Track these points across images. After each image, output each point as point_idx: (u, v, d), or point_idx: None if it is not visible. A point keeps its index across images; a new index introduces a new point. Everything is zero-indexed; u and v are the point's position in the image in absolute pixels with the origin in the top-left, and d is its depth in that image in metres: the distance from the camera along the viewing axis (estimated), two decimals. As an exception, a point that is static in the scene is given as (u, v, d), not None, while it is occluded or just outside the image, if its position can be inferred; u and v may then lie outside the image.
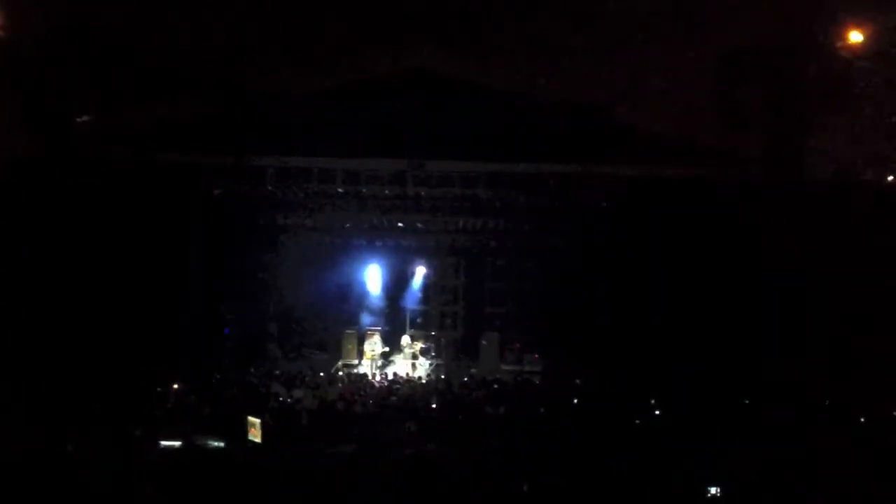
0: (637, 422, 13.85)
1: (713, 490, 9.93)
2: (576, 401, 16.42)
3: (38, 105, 16.06)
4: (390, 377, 20.26)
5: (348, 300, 25.08)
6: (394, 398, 16.33)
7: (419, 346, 23.42)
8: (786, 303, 16.25)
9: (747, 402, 15.10)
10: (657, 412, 14.83)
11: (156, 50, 16.24)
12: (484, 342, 23.55)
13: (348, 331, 23.94)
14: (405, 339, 23.60)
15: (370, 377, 20.71)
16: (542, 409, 15.17)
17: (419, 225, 23.08)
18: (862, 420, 13.26)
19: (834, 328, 15.50)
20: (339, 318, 24.56)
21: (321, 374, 19.85)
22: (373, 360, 22.48)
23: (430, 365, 23.14)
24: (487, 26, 16.82)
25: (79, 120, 16.65)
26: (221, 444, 11.69)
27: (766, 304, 16.51)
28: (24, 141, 16.16)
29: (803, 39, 15.25)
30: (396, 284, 25.47)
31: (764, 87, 16.20)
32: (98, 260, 16.71)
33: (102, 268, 16.78)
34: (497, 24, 16.72)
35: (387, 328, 24.39)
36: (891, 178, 16.77)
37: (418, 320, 25.70)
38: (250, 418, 12.16)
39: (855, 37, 14.68)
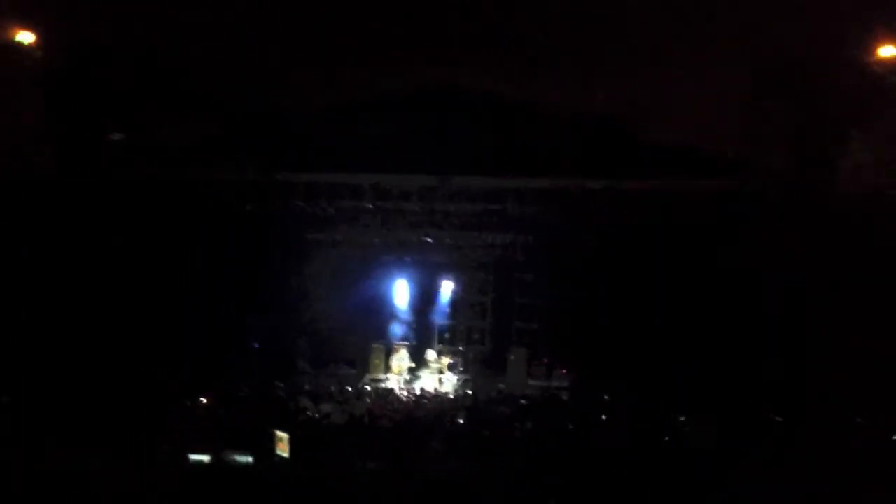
0: (666, 439, 13.75)
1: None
2: (604, 417, 16.33)
3: (69, 123, 16.29)
4: (417, 392, 20.25)
5: (376, 315, 25.08)
6: (421, 413, 16.33)
7: (446, 361, 23.38)
8: (818, 319, 16.06)
9: (779, 419, 14.92)
10: (687, 429, 14.71)
11: (184, 66, 16.42)
12: (511, 357, 23.47)
13: (376, 345, 23.96)
14: (432, 354, 23.57)
15: (397, 392, 20.70)
16: (570, 426, 15.10)
17: (447, 240, 23.07)
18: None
19: (869, 347, 15.28)
20: (366, 333, 24.58)
21: (349, 388, 19.88)
22: (400, 374, 22.48)
23: (458, 380, 23.08)
24: (514, 41, 16.85)
25: (110, 138, 16.86)
26: (249, 459, 11.75)
27: (799, 320, 16.33)
28: (54, 158, 16.38)
29: (834, 52, 15.13)
30: (424, 299, 25.44)
31: (793, 100, 16.09)
32: (128, 275, 16.90)
33: (132, 283, 16.96)
34: (523, 38, 16.74)
35: (414, 343, 24.37)
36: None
37: (446, 335, 25.63)
38: (278, 433, 12.21)
39: (886, 51, 14.55)
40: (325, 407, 16.42)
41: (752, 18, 14.84)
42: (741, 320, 17.09)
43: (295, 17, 16.01)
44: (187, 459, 11.67)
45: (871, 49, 14.51)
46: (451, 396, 19.95)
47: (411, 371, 23.03)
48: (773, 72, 15.90)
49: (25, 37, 14.68)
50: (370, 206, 19.27)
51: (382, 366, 23.51)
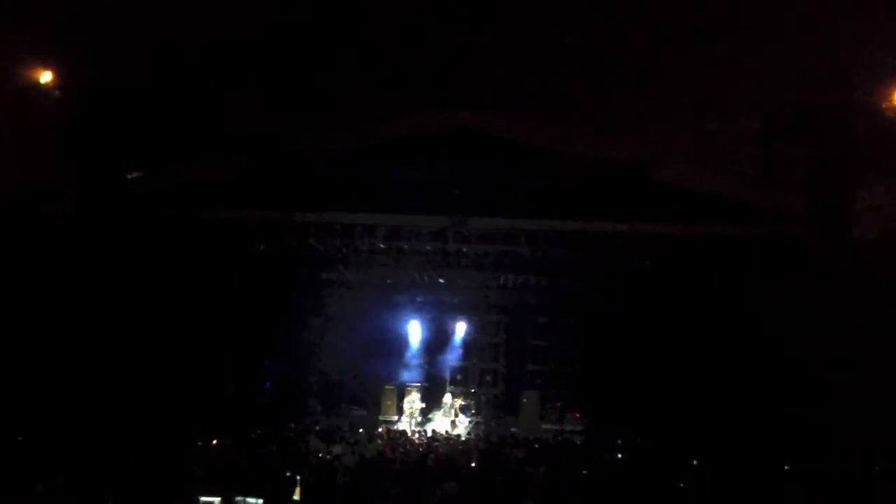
0: (681, 485, 13.56)
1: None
2: (618, 461, 16.15)
3: (90, 164, 16.46)
4: (429, 434, 20.11)
5: (389, 356, 25.04)
6: (433, 456, 16.19)
7: (459, 402, 23.27)
8: (835, 365, 15.90)
9: (795, 465, 14.69)
10: (702, 475, 14.52)
11: (202, 108, 16.60)
12: (524, 400, 23.35)
13: (388, 387, 23.90)
14: (446, 397, 23.47)
15: (409, 434, 20.57)
16: (583, 471, 14.92)
17: (460, 281, 23.10)
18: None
19: (887, 391, 15.10)
20: (379, 374, 24.52)
21: (360, 430, 19.77)
22: (412, 416, 22.37)
23: (470, 422, 22.95)
24: (528, 85, 16.97)
25: (128, 177, 17.02)
26: (260, 502, 11.65)
27: (814, 365, 16.17)
28: (74, 198, 16.53)
29: (849, 98, 15.18)
30: (437, 341, 25.40)
31: (809, 145, 16.10)
32: (142, 315, 16.92)
33: (145, 323, 16.98)
34: (538, 83, 16.86)
35: (426, 384, 24.28)
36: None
37: (458, 377, 25.55)
38: (289, 475, 12.12)
39: (900, 96, 14.59)
40: (337, 449, 16.31)
41: (770, 65, 14.92)
42: (756, 365, 16.94)
43: (312, 60, 16.20)
44: (198, 502, 11.58)
45: (886, 94, 14.54)
46: (464, 439, 19.79)
47: (423, 413, 22.91)
48: (790, 117, 15.95)
49: (47, 77, 14.89)
50: (383, 246, 19.33)
51: (394, 407, 23.43)
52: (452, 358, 25.46)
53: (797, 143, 16.07)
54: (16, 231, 15.83)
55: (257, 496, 11.77)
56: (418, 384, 23.88)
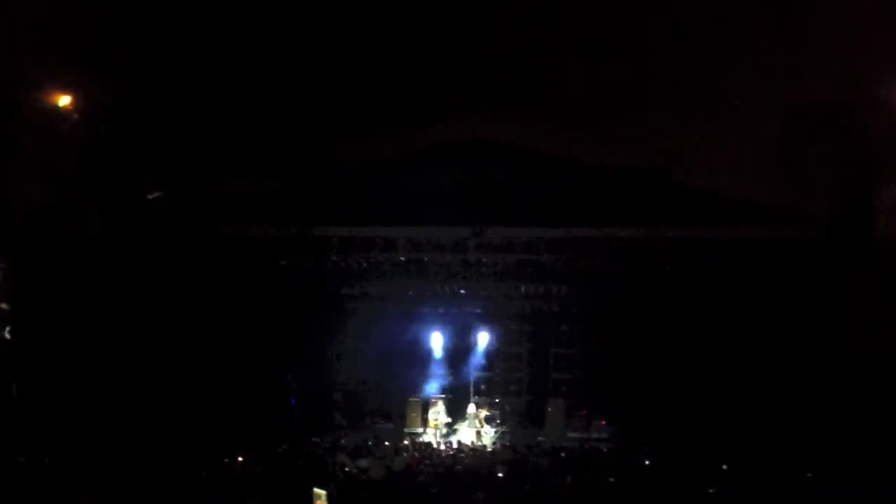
0: (710, 491, 13.45)
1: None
2: (645, 468, 16.04)
3: (113, 183, 16.61)
4: (455, 445, 20.05)
5: (412, 368, 25.01)
6: (459, 467, 16.15)
7: (484, 413, 23.19)
8: (862, 366, 15.76)
9: (810, 475, 14.46)
10: (731, 480, 14.39)
11: (223, 125, 16.72)
12: (549, 409, 23.24)
13: (412, 399, 23.85)
14: (470, 407, 23.41)
15: (435, 446, 20.52)
16: (611, 479, 14.83)
17: (482, 291, 23.06)
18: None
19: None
20: (403, 386, 24.50)
21: (386, 443, 19.75)
22: (437, 428, 22.32)
23: (496, 433, 22.85)
24: (547, 93, 16.96)
25: (150, 197, 17.16)
26: (288, 517, 11.66)
27: (841, 367, 16.03)
28: (97, 217, 16.67)
29: (872, 97, 15.08)
30: (460, 351, 25.32)
31: (831, 145, 16.00)
32: (166, 331, 17.03)
33: (170, 339, 17.09)
34: (556, 89, 16.85)
35: (451, 395, 24.22)
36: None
37: (482, 387, 25.44)
38: (316, 490, 12.11)
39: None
40: (363, 462, 16.30)
41: (792, 65, 14.85)
42: (784, 368, 16.82)
43: (328, 74, 16.27)
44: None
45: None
46: (490, 449, 19.72)
47: (448, 424, 22.85)
48: (813, 118, 15.86)
49: (69, 99, 15.06)
50: (404, 258, 19.37)
51: (419, 419, 23.35)
52: (476, 368, 25.38)
53: (820, 143, 15.97)
54: (42, 252, 16.00)
55: (285, 511, 11.80)
56: (442, 395, 23.81)
